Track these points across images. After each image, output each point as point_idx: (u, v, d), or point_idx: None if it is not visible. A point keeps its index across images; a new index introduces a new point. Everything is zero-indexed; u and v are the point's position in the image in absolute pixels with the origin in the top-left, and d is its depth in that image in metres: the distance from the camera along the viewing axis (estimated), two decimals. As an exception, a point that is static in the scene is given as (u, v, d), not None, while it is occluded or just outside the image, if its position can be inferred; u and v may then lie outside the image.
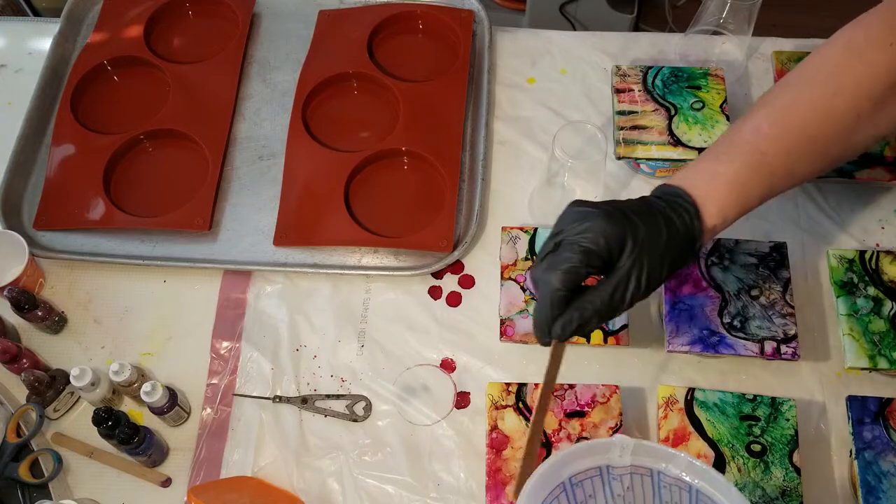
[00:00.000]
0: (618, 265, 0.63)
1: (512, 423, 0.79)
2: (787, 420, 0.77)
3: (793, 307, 0.82)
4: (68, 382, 0.84)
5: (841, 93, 0.67)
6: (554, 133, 0.84)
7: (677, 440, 0.77)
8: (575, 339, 0.81)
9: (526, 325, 0.83)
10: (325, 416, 0.85)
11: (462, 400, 0.85)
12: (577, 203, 0.65)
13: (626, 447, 0.58)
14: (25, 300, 0.86)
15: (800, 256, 0.90)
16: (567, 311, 0.63)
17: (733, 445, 0.76)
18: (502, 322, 0.84)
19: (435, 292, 0.91)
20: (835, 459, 0.80)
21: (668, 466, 0.58)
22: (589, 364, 0.86)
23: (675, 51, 1.04)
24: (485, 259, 0.93)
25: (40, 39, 1.12)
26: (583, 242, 0.62)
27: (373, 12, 1.08)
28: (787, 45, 1.03)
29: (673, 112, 0.94)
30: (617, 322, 0.83)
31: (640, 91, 0.96)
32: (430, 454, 0.83)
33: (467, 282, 0.92)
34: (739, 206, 0.67)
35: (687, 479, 0.57)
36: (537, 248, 0.87)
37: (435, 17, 1.07)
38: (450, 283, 0.92)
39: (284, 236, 0.94)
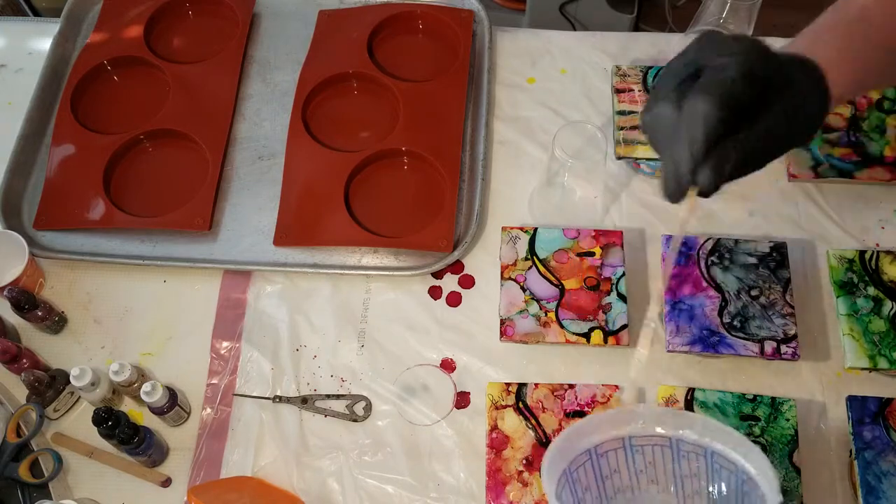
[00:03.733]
0: (772, 104, 0.54)
1: (512, 423, 0.79)
2: (787, 420, 0.77)
3: (793, 307, 0.82)
4: (68, 382, 0.84)
5: None
6: (554, 133, 0.84)
7: (677, 440, 0.77)
8: (575, 339, 0.81)
9: (526, 324, 0.83)
10: (325, 416, 0.85)
11: (462, 400, 0.85)
12: (714, 33, 0.55)
13: (650, 417, 0.56)
14: (25, 300, 0.86)
15: (800, 256, 0.90)
16: (716, 151, 0.51)
17: (733, 445, 0.76)
18: (502, 322, 0.84)
19: (435, 292, 0.91)
20: (835, 459, 0.80)
21: (686, 432, 0.56)
22: (589, 364, 0.86)
23: (675, 51, 1.03)
24: (485, 259, 0.93)
25: (40, 39, 1.12)
26: (743, 63, 0.51)
27: (373, 12, 1.08)
28: (787, 45, 1.03)
29: (673, 112, 0.94)
30: (617, 322, 0.83)
31: (640, 91, 0.96)
32: (430, 454, 0.83)
33: (467, 282, 0.92)
34: (856, 82, 0.61)
35: (705, 441, 0.55)
36: (537, 249, 0.87)
37: (435, 17, 1.07)
38: (450, 283, 0.92)
39: (284, 236, 0.94)
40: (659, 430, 0.57)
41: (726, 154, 0.51)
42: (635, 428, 0.57)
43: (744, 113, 0.52)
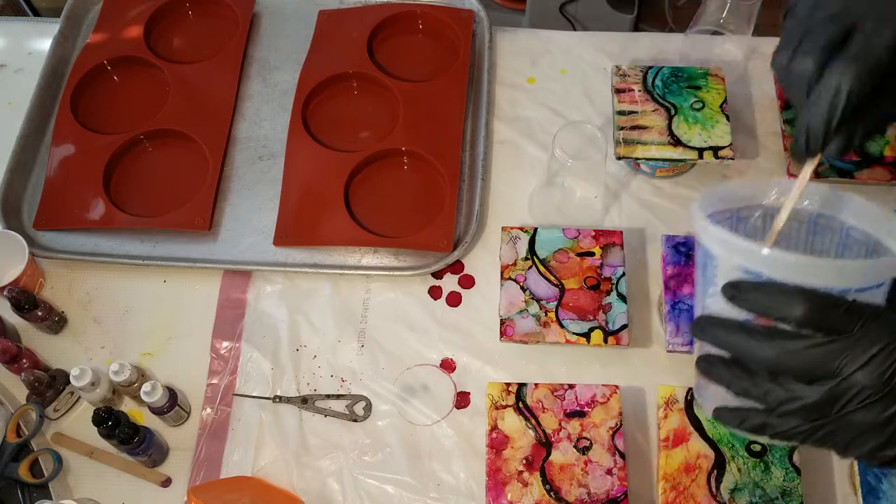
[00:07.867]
0: None
1: (512, 423, 0.79)
2: (788, 420, 0.77)
3: (793, 307, 0.82)
4: (68, 382, 0.84)
5: None
6: (554, 133, 0.84)
7: (677, 440, 0.77)
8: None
9: (526, 324, 0.83)
10: (325, 416, 0.85)
11: (462, 400, 0.85)
12: None
13: (812, 193, 0.52)
14: (25, 300, 0.86)
15: (800, 256, 0.90)
16: (850, 122, 0.49)
17: (733, 445, 0.76)
18: (502, 322, 0.84)
19: (435, 292, 0.91)
20: (835, 459, 0.80)
21: (832, 213, 0.53)
22: (589, 364, 0.86)
23: (675, 51, 1.04)
24: (485, 259, 0.93)
25: (40, 39, 1.12)
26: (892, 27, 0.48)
27: (373, 12, 1.08)
28: (787, 45, 1.03)
29: (673, 112, 0.94)
30: (617, 322, 0.83)
31: (640, 91, 0.96)
32: (430, 454, 0.83)
33: (467, 282, 0.92)
34: None
35: (852, 222, 0.51)
36: (537, 249, 0.87)
37: (435, 17, 1.07)
38: (450, 283, 0.92)
39: (284, 236, 0.94)
40: (807, 203, 0.53)
41: (859, 126, 0.50)
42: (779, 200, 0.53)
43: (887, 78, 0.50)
